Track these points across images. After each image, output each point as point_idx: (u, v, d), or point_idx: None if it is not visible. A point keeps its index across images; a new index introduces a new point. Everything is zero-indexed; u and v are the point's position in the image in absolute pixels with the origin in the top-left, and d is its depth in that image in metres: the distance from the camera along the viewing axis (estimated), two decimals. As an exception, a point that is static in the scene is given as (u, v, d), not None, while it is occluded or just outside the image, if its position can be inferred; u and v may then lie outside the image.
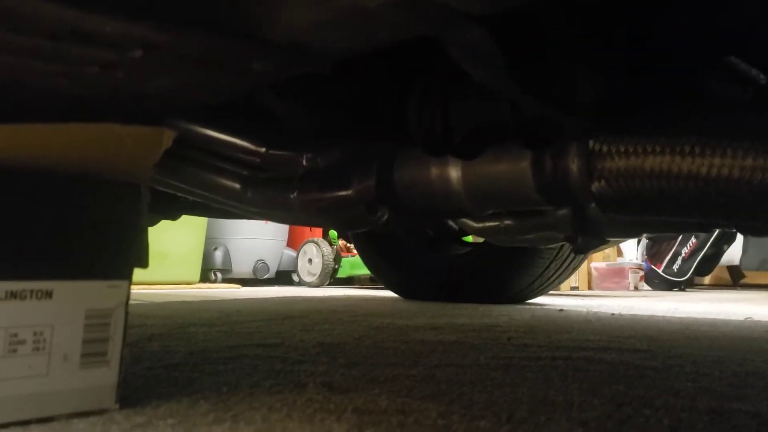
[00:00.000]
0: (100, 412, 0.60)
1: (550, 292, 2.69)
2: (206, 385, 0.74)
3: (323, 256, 5.02)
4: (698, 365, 0.94)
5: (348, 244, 5.09)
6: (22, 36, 0.53)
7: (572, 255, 2.23)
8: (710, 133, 0.81)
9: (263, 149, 1.21)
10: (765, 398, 0.72)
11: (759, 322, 1.78)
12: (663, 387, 0.77)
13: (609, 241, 1.36)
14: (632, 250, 5.50)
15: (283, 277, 5.33)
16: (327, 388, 0.74)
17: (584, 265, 4.55)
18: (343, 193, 1.13)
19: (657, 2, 0.92)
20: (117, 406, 0.62)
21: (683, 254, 4.85)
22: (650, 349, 1.12)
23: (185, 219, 1.88)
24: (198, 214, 1.82)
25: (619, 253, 5.58)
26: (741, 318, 1.91)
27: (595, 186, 0.91)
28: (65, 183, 0.59)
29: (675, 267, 4.87)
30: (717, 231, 4.46)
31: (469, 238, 2.50)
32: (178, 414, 0.60)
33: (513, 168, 0.98)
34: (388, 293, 2.91)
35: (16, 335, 0.56)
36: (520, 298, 2.42)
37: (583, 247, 1.26)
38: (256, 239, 5.03)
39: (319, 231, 5.42)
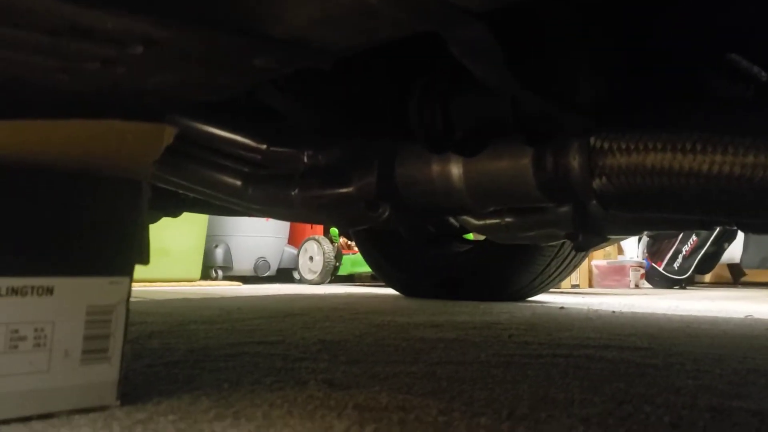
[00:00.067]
0: (101, 408, 0.60)
1: (551, 289, 2.69)
2: (207, 382, 0.74)
3: (324, 253, 5.02)
4: (699, 363, 0.94)
5: (349, 242, 5.09)
6: (22, 32, 0.52)
7: (573, 252, 2.23)
8: (711, 130, 0.81)
9: (264, 146, 1.21)
10: (766, 396, 0.72)
11: (760, 320, 1.78)
12: (664, 385, 0.77)
13: (610, 238, 1.36)
14: (633, 248, 5.50)
15: (284, 275, 5.33)
16: (328, 385, 0.74)
17: (585, 262, 4.56)
18: (344, 190, 1.13)
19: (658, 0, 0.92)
20: (118, 402, 0.62)
21: (684, 252, 4.85)
22: (651, 346, 1.12)
23: (186, 216, 1.88)
24: (199, 211, 1.82)
25: (620, 251, 5.57)
26: (741, 316, 1.91)
27: (596, 183, 0.91)
28: (66, 179, 0.59)
29: (676, 265, 4.87)
30: (718, 229, 4.46)
31: (470, 236, 2.50)
32: (179, 410, 0.60)
33: (514, 165, 0.98)
34: (389, 291, 2.91)
35: (17, 331, 0.56)
36: (521, 295, 2.42)
37: (584, 245, 1.26)
38: (257, 237, 5.03)
39: (320, 228, 5.42)
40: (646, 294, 3.82)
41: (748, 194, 0.79)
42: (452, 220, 1.86)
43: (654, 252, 5.01)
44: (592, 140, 0.90)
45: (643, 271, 5.07)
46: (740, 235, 4.84)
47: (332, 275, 5.08)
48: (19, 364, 0.56)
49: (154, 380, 0.75)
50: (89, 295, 0.60)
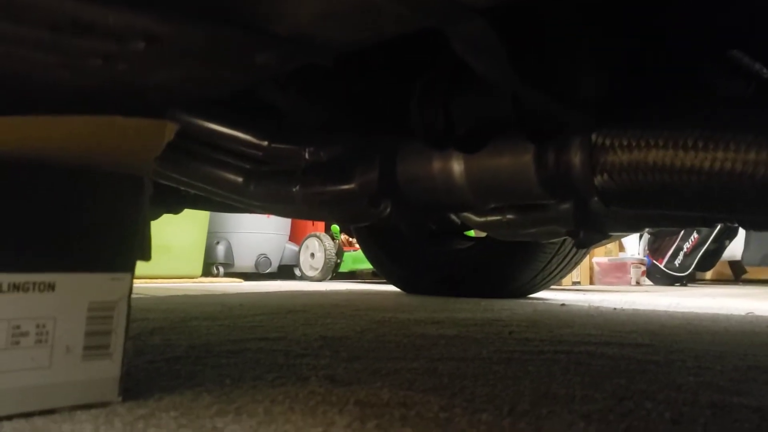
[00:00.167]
0: (103, 404, 0.61)
1: (552, 286, 2.69)
2: (209, 378, 0.74)
3: (325, 250, 5.03)
4: (700, 360, 0.94)
5: (350, 239, 5.09)
6: (23, 27, 0.52)
7: (574, 250, 2.23)
8: (713, 127, 0.81)
9: (266, 142, 1.21)
10: (767, 392, 0.72)
11: (761, 317, 1.78)
12: (665, 381, 0.77)
13: (611, 235, 1.36)
14: (634, 245, 5.50)
15: (286, 272, 5.34)
16: (329, 381, 0.74)
17: (586, 260, 4.56)
18: (346, 186, 1.13)
19: (660, -4, 0.92)
20: (120, 398, 0.62)
21: (685, 249, 4.85)
22: (652, 343, 1.12)
23: (187, 213, 1.88)
24: (200, 208, 1.83)
25: (621, 248, 5.58)
26: (743, 313, 1.91)
27: (597, 180, 0.91)
28: (67, 176, 0.59)
29: (677, 262, 4.87)
30: (719, 226, 4.46)
31: (471, 233, 2.50)
32: (181, 406, 0.60)
33: (515, 161, 0.98)
34: (390, 288, 2.91)
35: (18, 327, 0.56)
36: (522, 292, 2.42)
37: (586, 242, 1.26)
38: (259, 233, 5.03)
39: (321, 225, 5.43)
40: (647, 291, 3.82)
41: (749, 191, 0.79)
42: (453, 217, 1.86)
43: (655, 249, 5.02)
44: (593, 137, 0.90)
45: (644, 268, 5.07)
46: (741, 233, 4.84)
47: (333, 272, 5.08)
48: (21, 360, 0.56)
49: (155, 376, 0.75)
50: (91, 291, 0.60)
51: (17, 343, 0.56)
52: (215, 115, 1.22)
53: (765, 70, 0.97)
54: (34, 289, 0.56)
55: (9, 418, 0.55)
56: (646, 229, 2.06)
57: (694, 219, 1.19)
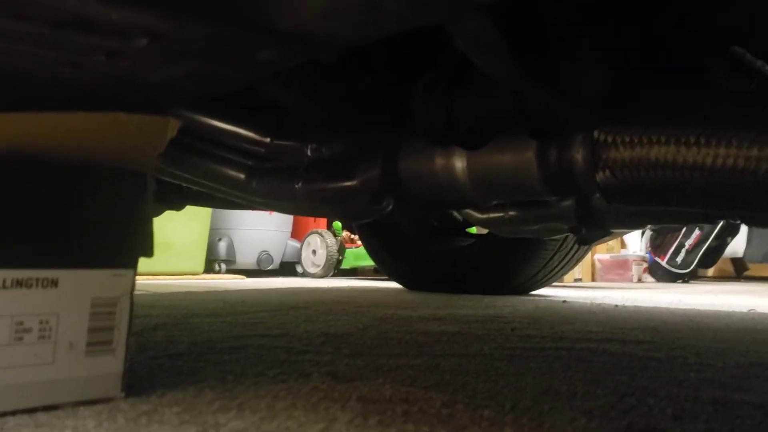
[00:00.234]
0: (106, 400, 0.61)
1: (554, 283, 2.69)
2: (211, 374, 0.75)
3: (327, 247, 5.03)
4: (702, 356, 0.94)
5: (352, 236, 5.10)
6: (26, 24, 0.52)
7: (576, 246, 2.23)
8: (715, 123, 0.81)
9: (268, 139, 1.21)
10: (769, 389, 0.72)
11: (762, 314, 1.78)
12: (666, 377, 0.77)
13: (613, 232, 1.36)
14: (636, 242, 5.50)
15: (287, 269, 5.34)
16: (331, 377, 0.74)
17: (588, 256, 4.56)
18: (348, 183, 1.13)
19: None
20: (122, 394, 0.62)
21: (687, 246, 4.84)
22: (654, 340, 1.12)
23: (189, 209, 1.88)
24: (202, 205, 1.83)
25: (623, 245, 5.57)
26: (744, 310, 1.91)
27: (599, 176, 0.91)
28: (70, 172, 0.59)
29: (679, 259, 4.87)
30: (721, 223, 4.46)
31: (473, 230, 2.50)
32: (184, 402, 0.61)
33: (518, 158, 0.98)
34: (392, 284, 2.91)
35: (22, 323, 0.56)
36: (524, 289, 2.42)
37: (587, 238, 1.26)
38: (261, 230, 5.04)
39: (323, 222, 5.43)
40: (648, 288, 3.82)
41: (752, 187, 0.79)
42: (455, 213, 1.85)
43: (657, 246, 5.01)
44: (595, 134, 0.90)
45: (646, 265, 5.07)
46: (744, 229, 4.84)
47: (335, 269, 5.08)
48: (25, 355, 0.56)
49: (158, 372, 0.75)
50: (94, 287, 0.60)
51: (20, 339, 0.56)
52: (218, 111, 1.22)
53: (767, 67, 0.97)
54: (37, 285, 0.57)
55: (13, 413, 0.55)
56: (648, 226, 2.07)
57: (696, 216, 1.19)
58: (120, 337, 0.62)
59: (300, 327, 1.22)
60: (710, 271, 5.63)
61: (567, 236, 2.11)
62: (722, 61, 0.96)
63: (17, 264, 0.55)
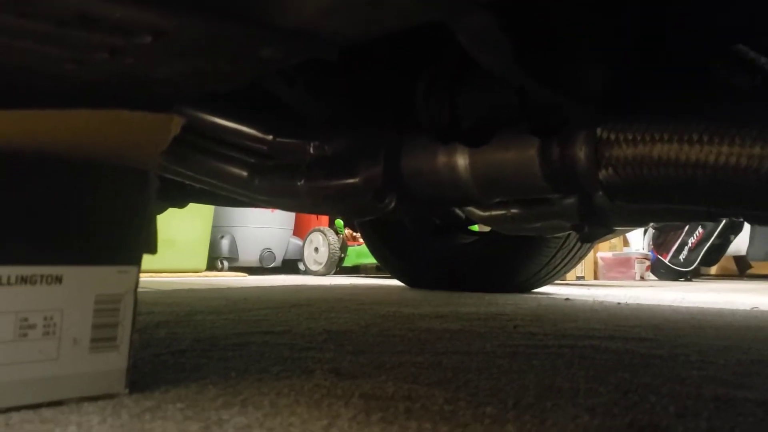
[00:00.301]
0: (110, 396, 0.61)
1: (556, 281, 2.69)
2: (214, 371, 0.75)
3: (329, 244, 5.03)
4: (704, 354, 0.94)
5: (354, 233, 5.10)
6: (30, 21, 0.53)
7: (578, 244, 2.22)
8: (718, 121, 0.81)
9: (270, 137, 1.21)
10: (771, 386, 0.72)
11: (765, 311, 1.78)
12: (669, 375, 0.77)
13: (615, 230, 1.36)
14: (638, 240, 5.49)
15: (290, 266, 5.35)
16: (334, 374, 0.74)
17: (590, 254, 4.55)
18: (350, 180, 1.13)
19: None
20: (126, 390, 0.62)
21: (690, 244, 4.84)
22: (656, 338, 1.12)
23: (192, 207, 1.88)
24: (205, 202, 1.83)
25: (626, 243, 5.57)
26: (747, 308, 1.90)
27: (602, 174, 0.91)
28: (74, 169, 0.60)
29: (681, 257, 4.86)
30: (724, 221, 4.45)
31: (475, 227, 2.50)
32: (187, 398, 0.61)
33: (520, 156, 0.98)
34: (395, 282, 2.91)
35: (26, 320, 0.56)
36: (526, 287, 2.42)
37: (590, 236, 1.26)
38: (263, 228, 5.04)
39: (325, 220, 5.43)
40: (651, 286, 3.82)
41: (754, 185, 0.79)
42: (458, 211, 1.85)
43: (660, 244, 5.01)
44: (598, 131, 0.90)
45: (648, 263, 5.06)
46: (746, 227, 4.83)
47: (337, 266, 5.09)
48: (29, 352, 0.56)
49: (161, 369, 0.75)
50: (98, 283, 0.60)
51: (25, 335, 0.56)
52: (221, 109, 1.22)
53: (770, 65, 0.97)
54: (41, 281, 0.57)
55: (17, 409, 0.55)
56: (651, 224, 2.06)
57: (698, 213, 1.19)
58: (124, 333, 0.62)
59: (302, 324, 1.22)
60: (713, 269, 5.62)
61: (569, 234, 2.11)
62: (725, 58, 0.96)
63: (21, 260, 0.56)
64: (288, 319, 1.32)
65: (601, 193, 0.96)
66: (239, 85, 0.75)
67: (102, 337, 0.61)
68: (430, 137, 1.03)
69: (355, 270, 5.30)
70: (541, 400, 0.63)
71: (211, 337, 1.02)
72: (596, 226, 1.18)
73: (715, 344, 1.05)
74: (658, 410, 0.60)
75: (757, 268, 5.52)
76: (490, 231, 2.22)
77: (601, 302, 2.03)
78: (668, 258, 4.91)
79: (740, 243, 5.07)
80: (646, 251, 5.21)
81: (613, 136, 0.89)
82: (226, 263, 4.91)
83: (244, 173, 1.25)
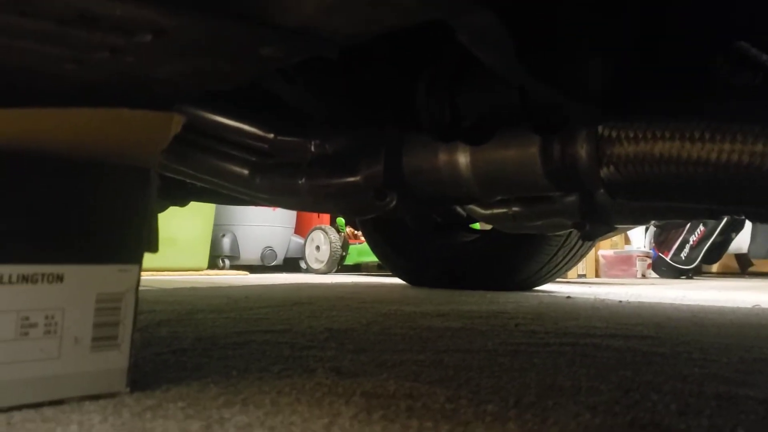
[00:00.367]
0: (111, 395, 0.61)
1: (558, 279, 2.69)
2: (215, 369, 0.75)
3: (331, 243, 5.04)
4: (706, 352, 0.94)
5: (355, 231, 5.10)
6: (30, 20, 0.53)
7: (580, 242, 2.22)
8: (720, 118, 0.81)
9: (271, 135, 1.21)
10: (773, 384, 0.72)
11: (767, 309, 1.78)
12: (670, 373, 0.77)
13: (617, 228, 1.35)
14: (640, 238, 5.49)
15: (291, 264, 5.35)
16: (335, 372, 0.74)
17: (592, 252, 4.55)
18: (351, 178, 1.13)
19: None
20: (127, 389, 0.62)
21: (691, 242, 4.84)
22: (658, 335, 1.12)
23: (193, 205, 1.88)
24: (206, 201, 1.83)
25: (627, 241, 5.57)
26: (749, 306, 1.90)
27: (604, 172, 0.91)
28: (75, 168, 0.59)
29: (683, 255, 4.86)
30: (725, 219, 4.45)
31: (477, 225, 2.50)
32: (188, 397, 0.61)
33: (521, 153, 0.98)
34: (396, 280, 2.91)
35: (27, 318, 0.56)
36: (528, 285, 2.42)
37: (591, 234, 1.26)
38: (264, 226, 5.04)
39: (326, 218, 5.44)
40: (653, 284, 3.82)
41: (756, 183, 0.79)
42: (459, 209, 1.85)
43: (661, 242, 5.01)
44: (599, 129, 0.90)
45: (650, 260, 5.06)
46: (748, 225, 4.82)
47: (339, 265, 5.09)
48: (30, 350, 0.56)
49: (162, 368, 0.75)
50: (99, 282, 0.60)
51: (26, 334, 0.56)
52: (221, 107, 1.22)
53: (773, 62, 0.97)
54: (42, 280, 0.57)
55: (19, 408, 0.55)
56: (652, 222, 2.06)
57: (700, 211, 1.19)
58: (125, 332, 0.62)
59: (304, 323, 1.22)
60: (714, 267, 5.62)
61: (571, 232, 2.11)
62: (727, 55, 0.95)
63: (22, 259, 0.56)
64: (289, 317, 1.32)
65: (602, 190, 0.96)
66: (240, 85, 0.75)
67: (103, 336, 0.61)
68: (430, 135, 1.03)
69: (357, 268, 5.31)
70: (542, 399, 0.63)
71: (213, 336, 1.02)
72: (598, 223, 1.18)
73: (717, 342, 1.05)
74: (660, 408, 0.60)
75: (759, 265, 5.52)
76: (492, 229, 2.22)
77: (603, 300, 2.03)
78: (670, 256, 4.91)
79: (742, 241, 5.07)
80: (647, 249, 5.21)
81: (614, 134, 0.89)
82: (227, 261, 4.91)
83: (245, 171, 1.25)
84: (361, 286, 2.76)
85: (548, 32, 0.86)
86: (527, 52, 0.79)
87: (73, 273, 0.59)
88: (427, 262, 2.51)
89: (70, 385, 0.59)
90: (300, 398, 0.61)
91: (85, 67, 0.62)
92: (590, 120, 0.91)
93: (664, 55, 0.95)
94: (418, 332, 1.11)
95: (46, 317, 0.57)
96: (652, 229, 5.17)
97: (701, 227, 4.80)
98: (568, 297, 2.15)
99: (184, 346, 0.91)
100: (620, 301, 1.99)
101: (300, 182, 1.17)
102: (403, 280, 2.73)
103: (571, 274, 4.32)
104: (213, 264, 4.77)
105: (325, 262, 5.06)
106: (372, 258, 4.32)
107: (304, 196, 1.19)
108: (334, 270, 5.06)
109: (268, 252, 5.06)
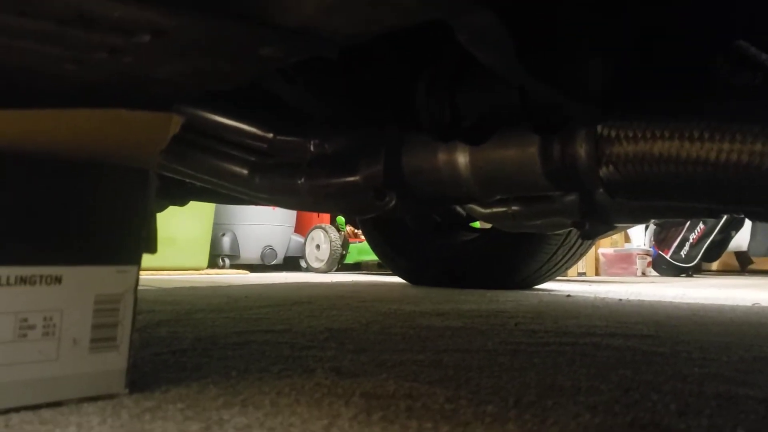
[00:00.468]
0: (110, 396, 0.61)
1: (558, 278, 2.69)
2: (215, 370, 0.75)
3: (331, 242, 5.03)
4: (706, 351, 0.94)
5: (355, 230, 5.10)
6: (29, 20, 0.53)
7: (580, 241, 2.22)
8: (719, 118, 0.81)
9: (271, 135, 1.21)
10: (773, 384, 0.72)
11: (767, 308, 1.78)
12: (670, 372, 0.77)
13: (617, 226, 1.35)
14: (640, 236, 5.49)
15: (291, 263, 5.35)
16: (335, 373, 0.74)
17: (592, 251, 4.55)
18: (351, 178, 1.13)
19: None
20: (126, 390, 0.62)
21: (691, 240, 4.84)
22: (658, 334, 1.12)
23: (193, 205, 1.88)
24: (206, 200, 1.83)
25: (627, 239, 5.57)
26: (748, 304, 1.90)
27: (603, 171, 0.91)
28: (73, 168, 0.59)
29: (683, 253, 4.86)
30: (725, 217, 4.45)
31: (477, 224, 2.50)
32: (188, 398, 0.61)
33: (521, 153, 0.98)
34: (396, 279, 2.91)
35: (26, 320, 0.56)
36: (528, 284, 2.42)
37: (591, 233, 1.26)
38: (264, 225, 5.04)
39: (326, 217, 5.43)
40: (653, 282, 3.82)
41: (755, 182, 0.79)
42: (459, 208, 1.85)
43: (661, 240, 5.01)
44: (599, 128, 0.90)
45: (650, 259, 5.07)
46: (748, 223, 4.83)
47: (339, 263, 5.09)
48: (29, 352, 0.56)
49: (162, 368, 0.75)
50: (97, 283, 0.60)
51: (24, 335, 0.56)
52: (221, 107, 1.22)
53: (772, 61, 0.97)
54: (40, 282, 0.57)
55: (17, 410, 0.55)
56: (652, 220, 2.07)
57: (700, 210, 1.19)
58: (124, 333, 0.62)
59: (304, 322, 1.22)
60: (714, 265, 5.62)
61: (570, 231, 2.11)
62: (727, 55, 0.95)
63: (21, 261, 0.56)
64: (289, 317, 1.32)
65: (601, 190, 0.96)
66: (239, 85, 0.75)
67: (102, 337, 0.60)
68: (430, 135, 1.03)
69: (357, 267, 5.30)
70: (542, 399, 0.63)
71: (212, 336, 1.02)
72: (597, 222, 1.18)
73: (717, 341, 1.05)
74: (660, 408, 0.60)
75: (759, 263, 5.52)
76: (491, 228, 2.22)
77: (603, 299, 2.03)
78: (669, 254, 4.91)
79: (741, 239, 5.07)
80: (647, 247, 5.21)
81: (613, 134, 0.89)
82: (227, 261, 4.91)
83: (245, 171, 1.25)
84: (361, 285, 2.76)
85: (548, 32, 0.86)
86: (527, 52, 0.79)
87: (72, 274, 0.58)
88: (426, 261, 2.51)
89: (68, 386, 0.59)
90: (299, 399, 0.61)
91: (85, 67, 0.62)
92: (590, 120, 0.91)
93: (663, 55, 0.95)
94: (418, 332, 1.11)
95: (45, 319, 0.57)
96: (652, 227, 5.17)
97: (701, 225, 4.80)
98: (568, 295, 2.15)
99: (184, 346, 0.91)
100: (620, 300, 1.99)
101: (299, 182, 1.17)
102: (403, 278, 2.73)
103: (571, 272, 4.32)
104: (213, 263, 4.77)
105: (325, 261, 5.06)
106: (372, 257, 4.32)
107: (304, 196, 1.19)
108: (335, 269, 5.06)
109: (268, 251, 5.06)
